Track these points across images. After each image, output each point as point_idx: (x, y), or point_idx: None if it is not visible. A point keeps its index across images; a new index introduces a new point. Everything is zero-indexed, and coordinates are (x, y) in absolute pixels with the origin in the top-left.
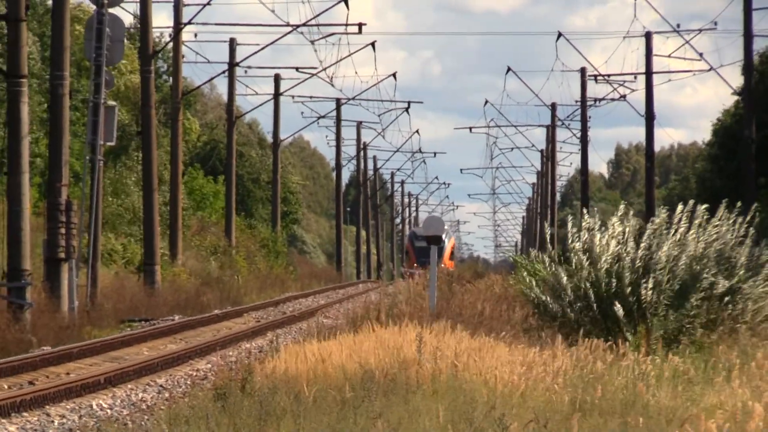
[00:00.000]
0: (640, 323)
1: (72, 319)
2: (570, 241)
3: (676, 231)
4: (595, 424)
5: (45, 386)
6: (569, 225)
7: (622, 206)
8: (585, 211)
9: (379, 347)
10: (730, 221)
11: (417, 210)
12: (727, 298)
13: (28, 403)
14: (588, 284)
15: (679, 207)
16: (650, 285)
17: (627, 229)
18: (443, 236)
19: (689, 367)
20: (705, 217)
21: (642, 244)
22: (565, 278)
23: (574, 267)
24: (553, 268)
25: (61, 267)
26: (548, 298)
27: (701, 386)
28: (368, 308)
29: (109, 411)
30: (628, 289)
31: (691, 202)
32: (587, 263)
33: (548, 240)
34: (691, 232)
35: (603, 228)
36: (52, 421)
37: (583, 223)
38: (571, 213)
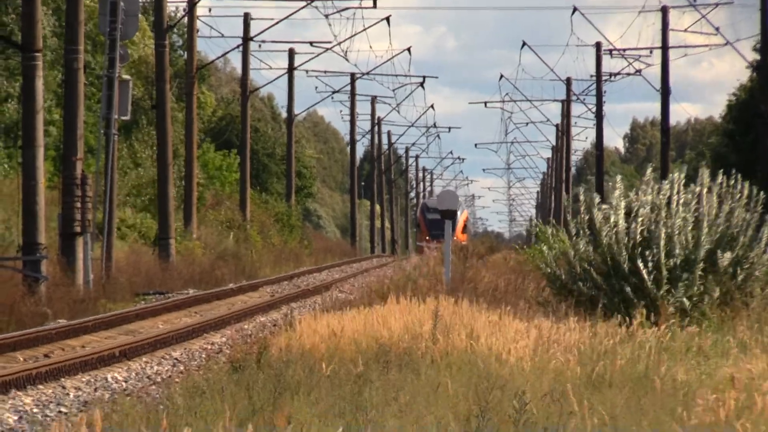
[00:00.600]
0: (650, 297)
1: (87, 292)
2: (582, 214)
3: (683, 203)
4: (609, 398)
5: (60, 359)
6: (582, 198)
7: (649, 170)
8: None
9: (393, 322)
10: (740, 195)
11: (431, 185)
12: (735, 270)
13: (44, 375)
14: (598, 257)
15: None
16: (650, 259)
17: (633, 203)
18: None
19: (703, 341)
20: (716, 189)
21: (640, 219)
22: (572, 252)
23: (582, 241)
24: (572, 241)
25: (76, 241)
26: (562, 272)
27: (715, 360)
28: (383, 282)
29: (124, 384)
30: (629, 264)
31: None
32: (597, 236)
33: (564, 212)
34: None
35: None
36: (68, 394)
37: (596, 201)
38: (585, 187)
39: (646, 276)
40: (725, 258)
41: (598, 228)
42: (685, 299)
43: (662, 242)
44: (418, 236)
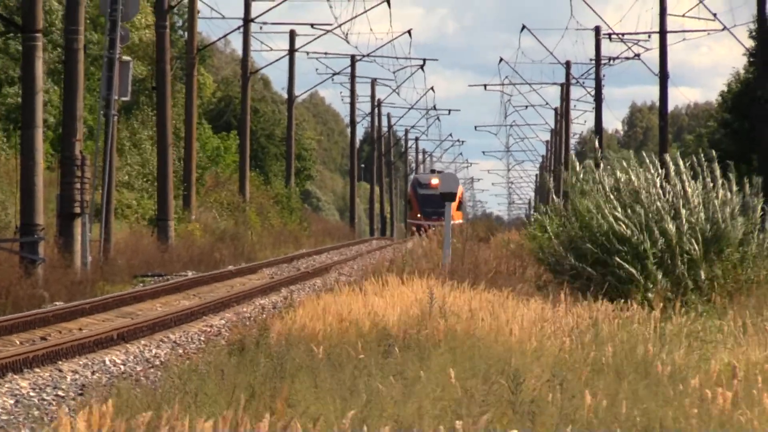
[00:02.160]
0: (644, 282)
1: (85, 274)
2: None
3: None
4: (609, 383)
5: (57, 342)
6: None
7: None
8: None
9: (393, 304)
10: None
11: (431, 167)
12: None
13: (41, 358)
14: (587, 241)
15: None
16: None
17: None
18: None
19: (700, 326)
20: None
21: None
22: (560, 237)
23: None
24: (561, 223)
25: (74, 222)
26: (558, 254)
27: (713, 345)
28: (382, 265)
29: (122, 367)
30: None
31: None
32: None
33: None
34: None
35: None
36: (65, 377)
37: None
38: (584, 169)
39: (628, 266)
40: (697, 248)
41: (588, 213)
42: (663, 285)
43: (653, 229)
44: (409, 213)
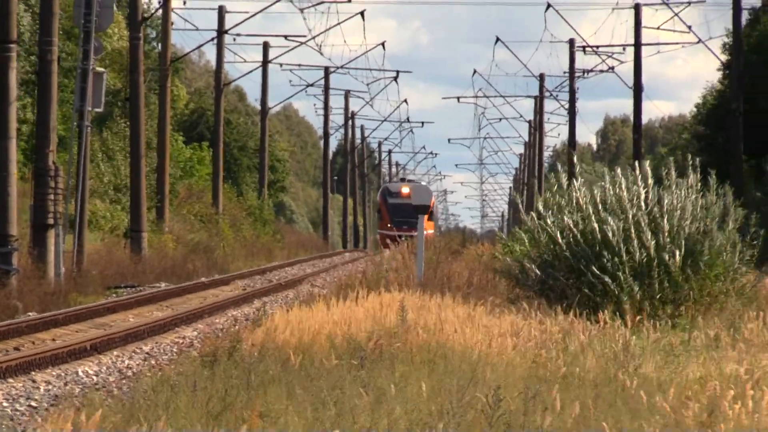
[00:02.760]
0: (616, 294)
1: (58, 285)
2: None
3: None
4: (580, 395)
5: (31, 352)
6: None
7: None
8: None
9: (365, 316)
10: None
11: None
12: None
13: (14, 369)
14: (557, 257)
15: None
16: (612, 258)
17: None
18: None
19: (671, 339)
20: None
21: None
22: (532, 254)
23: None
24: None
25: (47, 233)
26: (526, 269)
27: (684, 357)
28: (355, 277)
29: (95, 378)
30: (590, 264)
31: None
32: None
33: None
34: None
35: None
36: (38, 388)
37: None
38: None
39: (605, 278)
40: (679, 257)
41: (553, 230)
42: (638, 298)
43: (621, 242)
44: (379, 224)
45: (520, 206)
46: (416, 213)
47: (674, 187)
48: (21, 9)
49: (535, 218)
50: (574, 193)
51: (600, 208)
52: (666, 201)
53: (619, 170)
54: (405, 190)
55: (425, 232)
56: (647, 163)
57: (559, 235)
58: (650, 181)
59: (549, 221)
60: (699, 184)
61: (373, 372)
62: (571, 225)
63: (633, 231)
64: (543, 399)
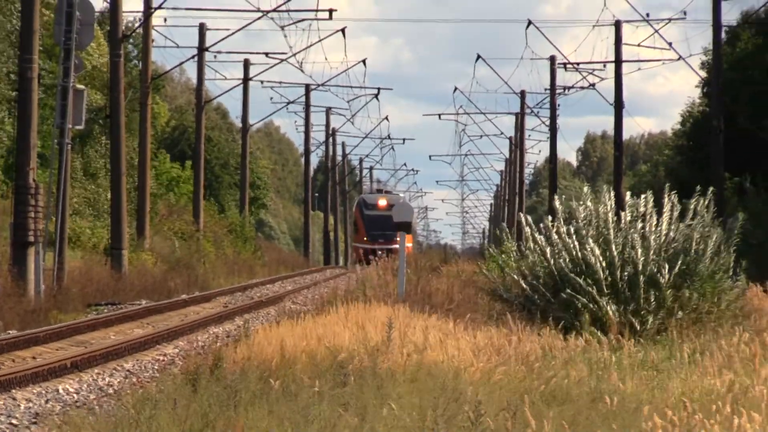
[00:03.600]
0: (596, 314)
1: (38, 302)
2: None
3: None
4: (562, 412)
5: (11, 370)
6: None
7: (586, 188)
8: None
9: (347, 334)
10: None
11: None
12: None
13: None
14: (546, 275)
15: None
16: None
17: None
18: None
19: (653, 355)
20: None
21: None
22: (521, 270)
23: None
24: (517, 259)
25: (27, 250)
26: (507, 287)
27: (666, 374)
28: (336, 294)
29: (75, 395)
30: (574, 282)
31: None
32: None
33: (512, 231)
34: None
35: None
36: (19, 405)
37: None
38: (537, 201)
39: (584, 299)
40: (666, 275)
41: (542, 247)
42: (618, 316)
43: (602, 262)
44: (355, 237)
45: (506, 233)
46: (398, 230)
47: (653, 213)
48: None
49: (533, 234)
50: (559, 216)
51: (581, 227)
52: (651, 223)
53: (605, 189)
54: (382, 202)
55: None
56: (631, 181)
57: (548, 252)
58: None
59: (538, 238)
60: (677, 210)
61: (355, 390)
62: (559, 243)
63: (619, 248)
64: (524, 416)
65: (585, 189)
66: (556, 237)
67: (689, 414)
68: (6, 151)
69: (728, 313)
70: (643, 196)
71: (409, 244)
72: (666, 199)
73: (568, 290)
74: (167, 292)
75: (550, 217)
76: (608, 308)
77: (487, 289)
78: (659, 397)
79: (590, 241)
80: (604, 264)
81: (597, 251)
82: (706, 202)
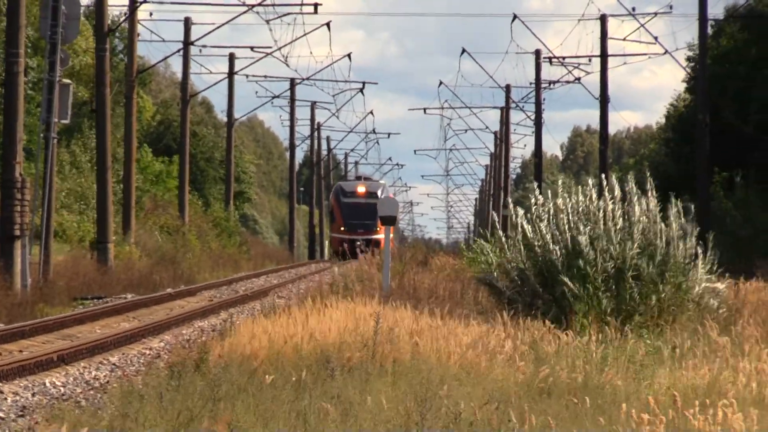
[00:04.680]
0: (581, 305)
1: (25, 296)
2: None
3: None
4: (549, 406)
5: None
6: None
7: (560, 182)
8: (538, 191)
9: (332, 326)
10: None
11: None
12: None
13: None
14: (532, 267)
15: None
16: (579, 270)
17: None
18: (379, 191)
19: (638, 349)
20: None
21: (566, 227)
22: (507, 262)
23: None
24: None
25: (14, 244)
26: (497, 279)
27: (652, 368)
28: (322, 288)
29: (62, 389)
30: (559, 274)
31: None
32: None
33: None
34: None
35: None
36: (5, 399)
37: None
38: (523, 195)
39: (574, 288)
40: (647, 268)
41: (530, 239)
42: (606, 308)
43: (590, 251)
44: (331, 226)
45: (497, 222)
46: (383, 224)
47: (636, 200)
48: None
49: (521, 224)
50: (550, 204)
51: (572, 218)
52: (636, 212)
53: (590, 182)
54: (360, 189)
55: (384, 240)
56: (614, 175)
57: (536, 244)
58: (617, 193)
59: (526, 228)
60: (658, 202)
61: (342, 383)
62: (545, 232)
63: (603, 240)
64: (509, 410)
65: (559, 181)
66: (544, 227)
67: (678, 407)
68: None
69: (707, 308)
70: (625, 185)
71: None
72: (650, 195)
73: (563, 277)
74: (153, 286)
75: (538, 200)
76: (603, 300)
77: (479, 278)
78: (645, 392)
79: (582, 228)
80: (597, 256)
81: (590, 241)
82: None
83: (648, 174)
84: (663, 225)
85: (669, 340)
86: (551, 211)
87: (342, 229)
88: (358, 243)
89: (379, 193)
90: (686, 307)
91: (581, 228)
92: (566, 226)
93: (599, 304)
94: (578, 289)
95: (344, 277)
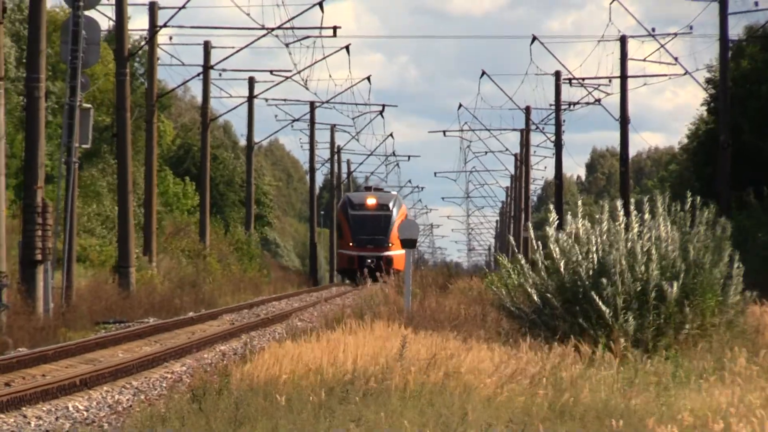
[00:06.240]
0: (606, 327)
1: (47, 320)
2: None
3: (637, 232)
4: (572, 429)
5: (21, 388)
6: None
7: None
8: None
9: (355, 351)
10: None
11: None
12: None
13: (5, 404)
14: (555, 288)
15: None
16: (605, 290)
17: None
18: (391, 203)
19: (662, 372)
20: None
21: (594, 249)
22: (531, 283)
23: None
24: (522, 273)
25: (36, 269)
26: (516, 303)
27: (675, 391)
28: (343, 312)
29: (85, 413)
30: (585, 295)
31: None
32: (552, 266)
33: (519, 245)
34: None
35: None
36: (29, 423)
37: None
38: (544, 217)
39: (602, 306)
40: (672, 289)
41: (554, 259)
42: (633, 329)
43: (617, 273)
44: (339, 242)
45: (515, 246)
46: (404, 247)
47: (661, 219)
48: (7, 43)
49: (549, 244)
50: (574, 226)
51: (597, 240)
52: (661, 233)
53: (618, 203)
54: (371, 200)
55: (396, 257)
56: (637, 196)
57: (562, 265)
58: (646, 216)
59: (552, 248)
60: (689, 217)
61: (362, 407)
62: (572, 253)
63: (626, 261)
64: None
65: (579, 202)
66: (567, 244)
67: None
68: (17, 170)
69: (735, 329)
70: (647, 202)
71: (401, 251)
72: (662, 208)
73: (593, 294)
74: (174, 310)
75: (565, 223)
76: (629, 322)
77: (498, 304)
78: (667, 414)
79: (608, 248)
80: (624, 276)
81: (623, 262)
82: (708, 216)
83: (669, 194)
84: (691, 245)
85: (697, 363)
86: (578, 233)
87: (350, 244)
88: (368, 261)
89: (390, 205)
90: (717, 329)
91: (607, 248)
92: (595, 246)
93: (625, 324)
94: (607, 308)
95: (366, 300)
